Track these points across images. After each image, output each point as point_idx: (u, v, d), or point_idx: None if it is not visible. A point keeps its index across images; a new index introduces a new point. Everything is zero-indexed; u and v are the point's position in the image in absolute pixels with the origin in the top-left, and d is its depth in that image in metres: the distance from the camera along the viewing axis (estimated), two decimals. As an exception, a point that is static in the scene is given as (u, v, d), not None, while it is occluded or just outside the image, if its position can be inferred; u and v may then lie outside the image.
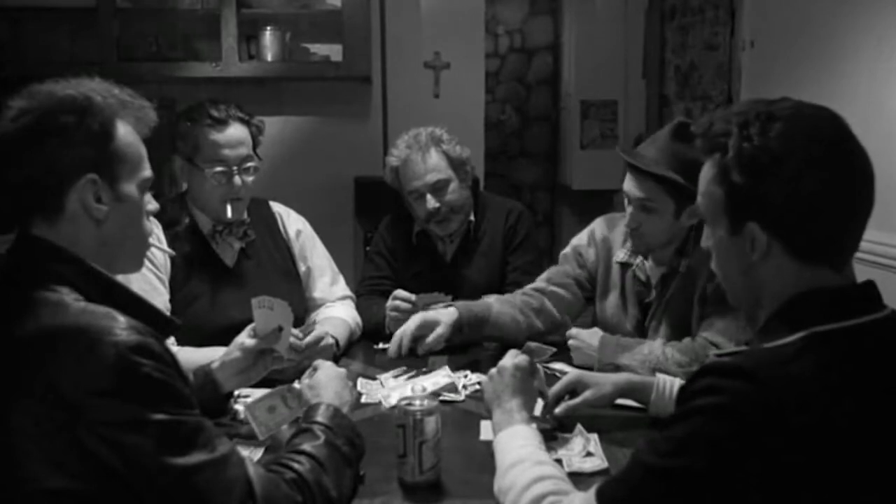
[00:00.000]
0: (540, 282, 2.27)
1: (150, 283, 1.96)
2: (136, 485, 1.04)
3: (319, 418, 1.35)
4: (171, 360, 1.11)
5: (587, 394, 1.63)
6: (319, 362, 1.58)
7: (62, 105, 1.16)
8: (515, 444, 1.34)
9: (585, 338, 2.01)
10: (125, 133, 1.21)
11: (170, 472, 1.05)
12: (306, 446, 1.27)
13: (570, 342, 2.03)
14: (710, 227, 1.20)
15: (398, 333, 2.08)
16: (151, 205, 1.29)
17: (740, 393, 1.00)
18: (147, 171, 1.26)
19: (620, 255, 2.15)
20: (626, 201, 1.99)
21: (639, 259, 2.10)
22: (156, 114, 1.29)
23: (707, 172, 1.16)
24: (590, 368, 1.92)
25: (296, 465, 1.22)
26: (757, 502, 0.99)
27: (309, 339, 1.91)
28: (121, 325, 1.07)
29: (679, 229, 1.99)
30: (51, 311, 1.09)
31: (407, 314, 2.18)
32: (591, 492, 1.11)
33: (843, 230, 1.11)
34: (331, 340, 2.02)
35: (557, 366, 2.00)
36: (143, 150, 1.26)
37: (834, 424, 1.00)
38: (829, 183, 1.08)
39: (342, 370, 1.57)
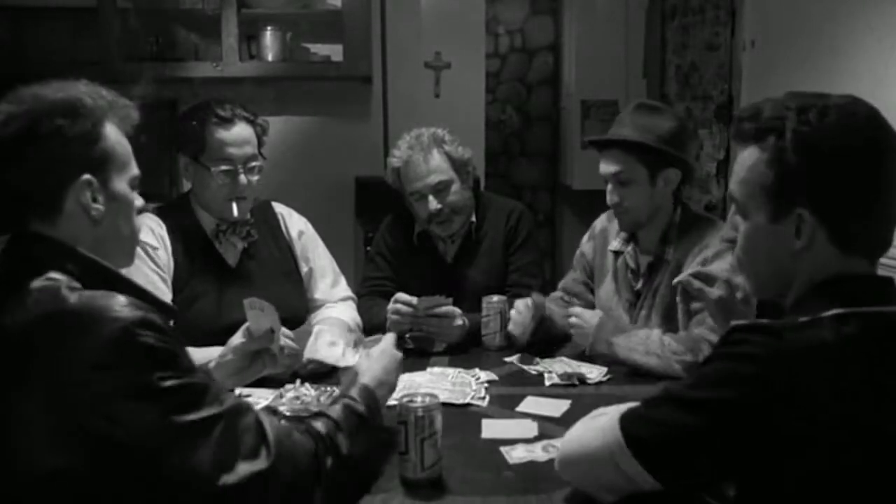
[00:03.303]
0: (559, 291, 2.38)
1: (153, 283, 1.96)
2: (146, 454, 1.05)
3: (352, 392, 1.42)
4: (173, 333, 1.13)
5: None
6: (387, 337, 1.65)
7: (55, 108, 1.17)
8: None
9: (587, 318, 2.06)
10: (113, 132, 1.23)
11: (182, 429, 1.07)
12: (326, 410, 1.34)
13: (572, 320, 2.08)
14: (746, 213, 1.20)
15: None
16: (138, 201, 1.31)
17: (768, 346, 1.05)
18: (135, 169, 1.29)
19: (614, 243, 2.23)
20: (606, 185, 2.10)
21: (629, 247, 2.18)
22: (138, 113, 1.30)
23: (750, 157, 1.16)
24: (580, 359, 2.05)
25: (311, 421, 1.29)
26: (766, 444, 1.04)
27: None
28: (121, 303, 1.09)
29: (660, 203, 2.08)
30: (51, 298, 1.10)
31: (407, 318, 2.19)
32: (620, 408, 1.19)
33: (887, 223, 1.14)
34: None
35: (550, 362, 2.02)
36: (129, 149, 1.28)
37: (847, 395, 1.03)
38: (883, 174, 1.10)
39: (398, 355, 1.61)
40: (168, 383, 1.07)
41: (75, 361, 1.05)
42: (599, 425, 1.20)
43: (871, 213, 1.12)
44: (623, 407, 1.20)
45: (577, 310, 2.11)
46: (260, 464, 1.11)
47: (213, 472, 1.07)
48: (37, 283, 1.12)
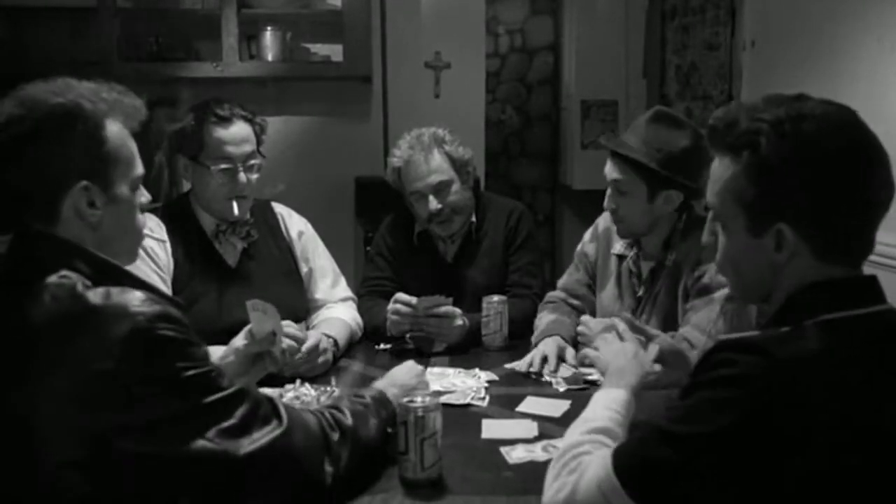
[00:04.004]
0: (560, 291, 2.33)
1: (154, 283, 1.96)
2: (173, 439, 1.10)
3: (365, 393, 1.49)
4: (187, 323, 1.17)
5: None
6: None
7: (53, 114, 1.17)
8: (599, 403, 1.37)
9: (593, 327, 2.02)
10: (115, 135, 1.23)
11: (207, 411, 1.14)
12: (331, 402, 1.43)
13: (580, 328, 2.04)
14: (725, 224, 1.19)
15: (536, 355, 2.04)
16: (143, 197, 1.31)
17: (752, 365, 1.03)
18: (139, 169, 1.28)
19: (617, 247, 2.19)
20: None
21: (633, 252, 2.14)
22: (146, 109, 1.30)
23: (727, 170, 1.15)
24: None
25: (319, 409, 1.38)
26: (761, 468, 1.02)
27: (307, 345, 1.93)
28: (139, 298, 1.12)
29: (660, 216, 2.03)
30: (68, 295, 1.12)
31: (407, 318, 2.19)
32: (611, 450, 1.15)
33: (871, 229, 1.13)
34: (326, 344, 2.02)
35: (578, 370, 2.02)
36: (134, 148, 1.27)
37: (840, 402, 1.02)
38: (862, 184, 1.09)
39: (418, 368, 1.68)
40: (190, 372, 1.13)
41: (99, 356, 1.07)
42: (591, 479, 1.14)
43: (852, 221, 1.11)
44: (604, 452, 1.16)
45: (586, 318, 2.06)
46: (275, 429, 1.20)
47: (235, 444, 1.14)
48: (52, 280, 1.13)
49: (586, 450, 1.22)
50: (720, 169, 1.17)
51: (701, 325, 1.88)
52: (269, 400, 1.24)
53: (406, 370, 1.64)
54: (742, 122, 1.12)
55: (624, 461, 1.11)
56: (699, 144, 1.93)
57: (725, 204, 1.16)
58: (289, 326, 1.86)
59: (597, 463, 1.15)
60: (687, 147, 1.94)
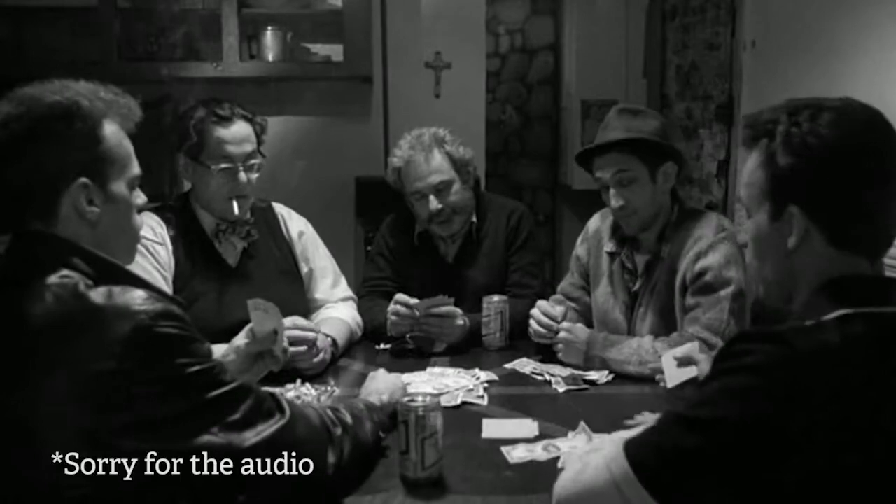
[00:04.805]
0: (559, 295, 2.35)
1: (155, 280, 1.96)
2: (177, 436, 1.11)
3: (357, 403, 1.51)
4: (189, 321, 1.17)
5: None
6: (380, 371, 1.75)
7: (51, 111, 1.18)
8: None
9: (579, 333, 2.03)
10: (112, 134, 1.24)
11: (209, 406, 1.14)
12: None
13: (562, 335, 2.04)
14: (751, 214, 1.22)
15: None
16: (140, 199, 1.32)
17: (773, 354, 1.04)
18: (136, 169, 1.29)
19: (609, 245, 2.20)
20: (605, 192, 2.08)
21: (625, 248, 2.16)
22: (140, 111, 1.31)
23: (752, 161, 1.19)
24: (577, 366, 2.00)
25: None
26: (778, 457, 1.02)
27: (318, 346, 1.95)
28: (141, 296, 1.13)
29: (661, 199, 2.07)
30: (71, 294, 1.13)
31: (407, 318, 2.19)
32: (616, 440, 1.15)
33: (885, 221, 1.14)
34: (324, 342, 2.01)
35: (548, 367, 2.03)
36: (131, 148, 1.29)
37: (858, 397, 1.02)
38: (876, 173, 1.11)
39: (391, 375, 1.72)
40: (193, 369, 1.13)
41: (101, 356, 1.08)
42: (599, 460, 1.14)
43: (866, 212, 1.12)
44: (618, 438, 1.16)
45: (567, 324, 2.06)
46: (279, 421, 1.22)
47: (240, 437, 1.16)
48: (53, 279, 1.13)
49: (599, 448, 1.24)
50: (747, 162, 1.21)
51: (713, 327, 1.91)
52: (272, 395, 1.25)
53: (370, 379, 1.70)
54: (765, 114, 1.18)
55: (636, 443, 1.12)
56: (664, 121, 2.12)
57: (751, 193, 1.20)
58: (297, 323, 1.90)
59: (609, 446, 1.16)
60: (657, 125, 2.06)
